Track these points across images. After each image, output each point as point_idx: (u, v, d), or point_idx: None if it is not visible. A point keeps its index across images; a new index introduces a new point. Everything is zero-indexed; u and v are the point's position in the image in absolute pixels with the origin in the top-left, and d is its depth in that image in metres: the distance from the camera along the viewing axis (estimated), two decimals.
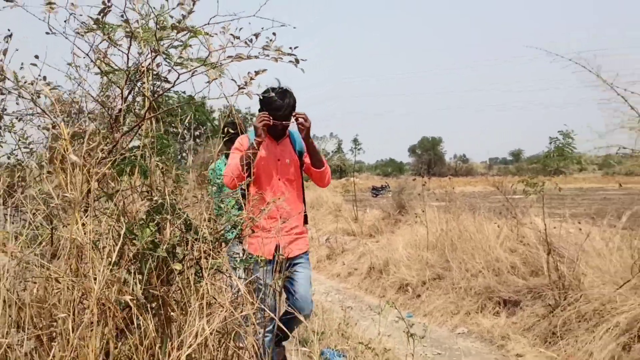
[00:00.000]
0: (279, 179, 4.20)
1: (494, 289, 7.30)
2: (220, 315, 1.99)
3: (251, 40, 2.13)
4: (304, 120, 4.09)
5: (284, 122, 4.08)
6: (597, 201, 20.94)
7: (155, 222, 2.11)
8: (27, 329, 1.89)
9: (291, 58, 2.30)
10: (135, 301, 1.94)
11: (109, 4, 2.06)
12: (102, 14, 2.07)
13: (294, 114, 4.16)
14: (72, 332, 1.83)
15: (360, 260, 10.99)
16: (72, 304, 1.88)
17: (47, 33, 2.11)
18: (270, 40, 2.16)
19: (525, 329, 6.33)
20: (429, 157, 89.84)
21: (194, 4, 1.96)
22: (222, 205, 4.81)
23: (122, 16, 2.07)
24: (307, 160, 4.34)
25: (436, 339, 6.59)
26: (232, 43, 2.10)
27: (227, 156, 5.36)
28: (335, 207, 18.59)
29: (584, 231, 7.15)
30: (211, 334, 1.91)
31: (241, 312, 2.18)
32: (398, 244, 10.10)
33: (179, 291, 2.12)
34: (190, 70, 2.13)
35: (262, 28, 2.08)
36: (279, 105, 4.02)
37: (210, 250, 2.20)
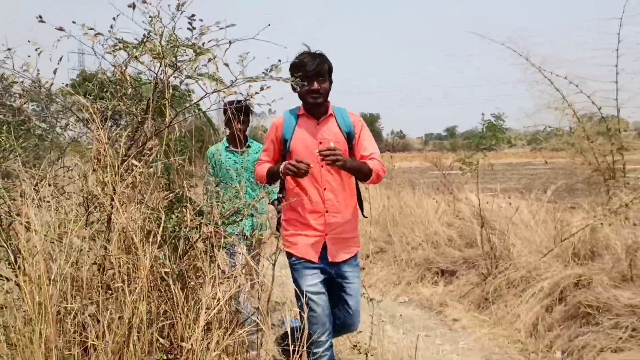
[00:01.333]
0: (322, 166, 3.43)
1: (432, 260, 7.87)
2: (233, 285, 2.38)
3: (269, 69, 2.47)
4: (330, 154, 3.19)
5: (318, 82, 3.37)
6: (526, 176, 22.15)
7: (178, 209, 2.47)
8: (87, 297, 2.24)
9: (290, 82, 2.75)
10: (170, 273, 2.31)
11: (148, 35, 2.35)
12: (141, 43, 2.36)
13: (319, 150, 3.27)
14: (129, 295, 2.19)
15: None
16: (124, 276, 2.23)
17: (107, 60, 2.42)
18: (276, 66, 2.51)
19: (461, 296, 6.91)
20: None
21: (228, 44, 2.27)
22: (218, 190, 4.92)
23: (144, 37, 2.38)
24: (360, 151, 3.56)
25: (380, 307, 7.09)
26: (244, 67, 2.42)
27: (227, 139, 5.28)
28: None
29: (514, 205, 7.79)
30: (225, 302, 2.30)
31: (249, 281, 2.57)
32: None
33: (192, 266, 2.50)
34: (218, 90, 2.46)
35: (279, 60, 2.46)
36: (309, 62, 3.35)
37: (219, 231, 2.58)
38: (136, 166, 2.36)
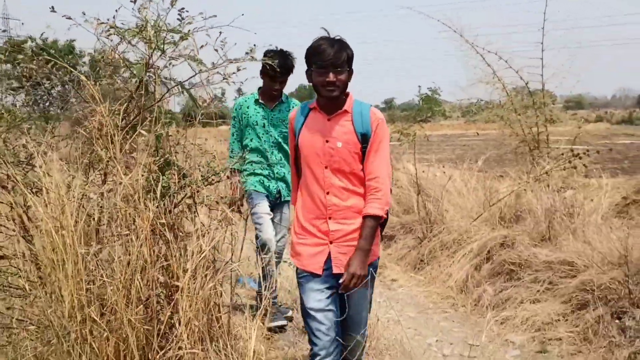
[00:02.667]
0: (326, 168, 3.01)
1: None
2: (215, 235, 2.76)
3: (249, 52, 2.81)
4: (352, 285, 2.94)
5: (335, 72, 2.90)
6: (459, 147, 23.11)
7: (168, 172, 2.80)
8: (101, 242, 2.60)
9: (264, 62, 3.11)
10: (165, 224, 2.67)
11: (144, 24, 2.64)
12: (140, 31, 2.64)
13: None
14: (136, 241, 2.59)
15: None
16: (130, 227, 2.59)
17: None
18: (251, 49, 2.84)
19: (398, 258, 7.42)
20: None
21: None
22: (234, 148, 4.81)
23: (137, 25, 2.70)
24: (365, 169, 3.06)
25: None
26: (222, 50, 2.74)
27: (259, 92, 4.90)
28: (222, 155, 19.10)
29: (448, 174, 8.33)
30: (208, 250, 2.70)
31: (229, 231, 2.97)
32: None
33: (180, 220, 2.90)
34: (205, 70, 2.77)
35: (254, 45, 2.80)
36: (325, 49, 2.90)
37: (199, 189, 2.98)
38: (140, 134, 2.70)
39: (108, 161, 2.67)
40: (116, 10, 2.64)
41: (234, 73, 2.86)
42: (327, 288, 3.01)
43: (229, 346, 2.76)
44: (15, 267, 2.78)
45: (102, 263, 2.61)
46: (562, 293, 5.05)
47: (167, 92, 2.85)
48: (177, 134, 3.06)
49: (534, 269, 5.47)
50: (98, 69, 2.90)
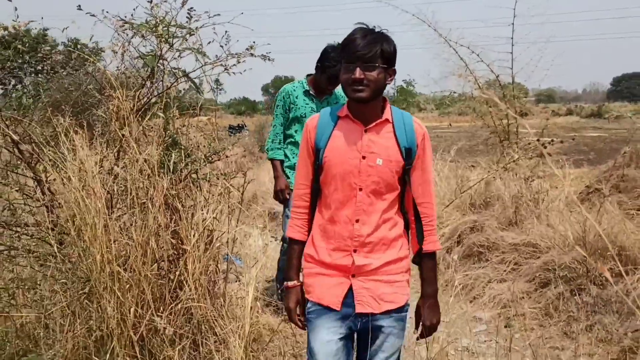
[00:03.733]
0: (360, 189, 2.43)
1: None
2: (217, 205, 3.09)
3: (250, 47, 3.10)
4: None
5: (364, 68, 2.32)
6: (433, 138, 23.45)
7: (176, 150, 3.09)
8: (120, 208, 2.96)
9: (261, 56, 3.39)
10: (175, 195, 2.98)
11: (160, 19, 2.92)
12: (155, 26, 2.90)
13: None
14: (152, 208, 2.89)
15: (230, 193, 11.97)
16: (147, 196, 2.90)
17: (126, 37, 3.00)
18: (251, 46, 3.12)
19: None
20: None
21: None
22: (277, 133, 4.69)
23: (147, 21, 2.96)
24: (413, 194, 2.49)
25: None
26: (226, 47, 3.03)
27: (308, 82, 4.77)
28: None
29: None
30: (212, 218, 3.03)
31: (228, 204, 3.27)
32: (264, 178, 11.18)
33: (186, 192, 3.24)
34: (210, 63, 3.05)
35: (254, 42, 3.09)
36: (356, 40, 2.34)
37: (203, 165, 3.30)
38: (156, 115, 3.00)
39: (123, 139, 2.96)
40: (134, 9, 2.96)
41: (234, 65, 3.17)
42: (341, 328, 2.50)
43: (226, 304, 3.10)
44: (45, 232, 3.06)
45: (123, 226, 2.93)
46: (526, 273, 5.42)
47: (175, 80, 3.14)
48: (183, 117, 3.39)
49: (501, 251, 5.85)
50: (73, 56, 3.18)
